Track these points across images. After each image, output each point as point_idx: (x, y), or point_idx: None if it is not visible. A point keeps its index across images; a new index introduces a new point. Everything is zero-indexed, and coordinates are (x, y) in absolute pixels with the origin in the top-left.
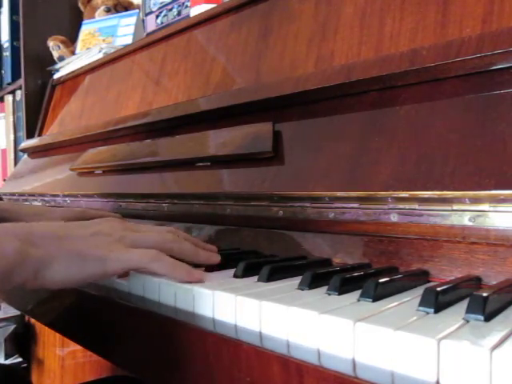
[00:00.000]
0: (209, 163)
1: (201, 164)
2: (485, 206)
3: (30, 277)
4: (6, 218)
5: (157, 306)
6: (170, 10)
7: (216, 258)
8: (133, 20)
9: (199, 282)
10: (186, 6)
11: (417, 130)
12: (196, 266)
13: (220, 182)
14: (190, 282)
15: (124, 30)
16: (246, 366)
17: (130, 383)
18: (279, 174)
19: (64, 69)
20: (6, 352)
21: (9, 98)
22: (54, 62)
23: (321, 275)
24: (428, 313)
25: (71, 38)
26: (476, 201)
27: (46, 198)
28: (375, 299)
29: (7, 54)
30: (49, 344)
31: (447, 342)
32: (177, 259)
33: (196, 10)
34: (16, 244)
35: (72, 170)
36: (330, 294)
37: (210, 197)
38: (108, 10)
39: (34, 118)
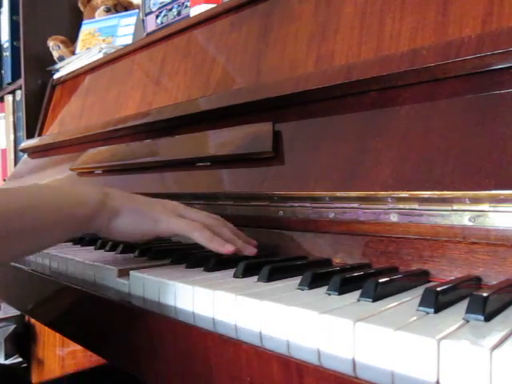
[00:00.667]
0: (209, 163)
1: (201, 164)
2: (485, 206)
3: (105, 223)
4: None
5: (156, 305)
6: (170, 9)
7: (251, 250)
8: (133, 20)
9: (230, 252)
10: (186, 6)
11: (417, 129)
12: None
13: (220, 182)
14: (221, 252)
15: (124, 30)
16: (246, 366)
17: (115, 374)
18: (279, 174)
19: (64, 69)
20: (6, 352)
21: (9, 98)
22: (54, 62)
23: (321, 275)
24: (428, 313)
25: (71, 38)
26: (476, 201)
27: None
28: (375, 299)
29: (7, 54)
30: (49, 344)
31: (447, 341)
32: None
33: (196, 10)
34: (100, 196)
35: (72, 170)
36: (329, 294)
37: (210, 197)
38: (108, 10)
39: (34, 118)
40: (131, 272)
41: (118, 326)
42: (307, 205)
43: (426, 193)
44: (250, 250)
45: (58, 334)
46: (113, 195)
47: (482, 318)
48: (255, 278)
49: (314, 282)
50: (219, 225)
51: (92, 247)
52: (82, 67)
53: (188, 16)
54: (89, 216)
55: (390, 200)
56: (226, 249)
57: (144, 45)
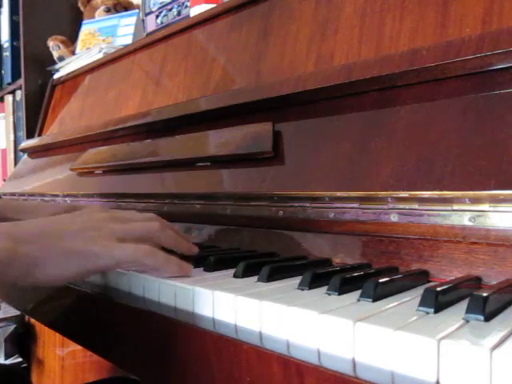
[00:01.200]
0: (209, 163)
1: (201, 164)
2: (485, 206)
3: (21, 274)
4: (4, 217)
5: (157, 305)
6: (170, 10)
7: (195, 249)
8: (133, 20)
9: (187, 275)
10: (186, 6)
11: (417, 129)
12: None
13: (220, 182)
14: (180, 276)
15: (124, 30)
16: (246, 365)
17: None
18: (279, 174)
19: (64, 69)
20: (6, 352)
21: (9, 98)
22: (54, 62)
23: (321, 275)
24: (428, 313)
25: (71, 38)
26: (476, 201)
27: (45, 198)
28: (375, 299)
29: (7, 54)
30: (49, 344)
31: (447, 341)
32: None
33: (196, 10)
34: (7, 243)
35: (72, 169)
36: (329, 294)
37: (210, 197)
38: (108, 10)
39: (34, 118)
40: (130, 272)
41: (118, 325)
42: (307, 205)
43: (425, 193)
44: (195, 250)
45: (57, 334)
46: (25, 236)
47: (482, 317)
48: (255, 278)
49: (313, 282)
50: (163, 228)
51: None
52: (81, 67)
53: (188, 16)
54: None
55: (390, 200)
56: (185, 271)
57: (144, 45)
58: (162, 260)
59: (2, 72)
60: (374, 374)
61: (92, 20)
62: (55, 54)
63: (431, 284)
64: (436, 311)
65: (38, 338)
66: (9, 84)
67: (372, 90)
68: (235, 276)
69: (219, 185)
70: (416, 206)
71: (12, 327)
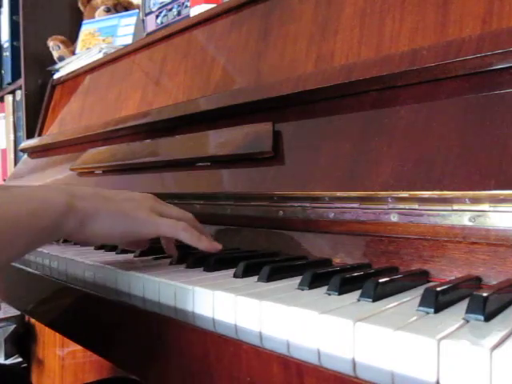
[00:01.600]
0: (209, 163)
1: (201, 164)
2: (485, 206)
3: (76, 227)
4: None
5: (157, 306)
6: (170, 10)
7: (218, 246)
8: (133, 20)
9: (217, 250)
10: (186, 6)
11: (417, 129)
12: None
13: (220, 182)
14: (210, 251)
15: (124, 30)
16: (246, 365)
17: None
18: (279, 174)
19: (64, 69)
20: (6, 352)
21: (9, 98)
22: (54, 62)
23: (321, 275)
24: (428, 313)
25: (71, 38)
26: (476, 201)
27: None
28: (375, 299)
29: (7, 53)
30: (49, 344)
31: (447, 341)
32: None
33: (196, 10)
34: (65, 197)
35: (72, 169)
36: (329, 294)
37: (210, 197)
38: (108, 10)
39: (34, 118)
40: (130, 272)
41: (117, 325)
42: (307, 205)
43: (425, 193)
44: (218, 246)
45: (58, 334)
46: (81, 195)
47: (482, 317)
48: (255, 277)
49: (313, 282)
50: (194, 220)
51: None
52: (82, 67)
53: (188, 16)
54: (54, 223)
55: (390, 200)
56: (215, 247)
57: (144, 45)
58: (196, 236)
59: (2, 72)
60: (374, 373)
61: (92, 20)
62: (55, 54)
63: (431, 284)
64: (436, 311)
65: (37, 338)
66: (9, 84)
67: (372, 90)
68: (235, 276)
69: (219, 185)
70: (416, 206)
71: (12, 327)
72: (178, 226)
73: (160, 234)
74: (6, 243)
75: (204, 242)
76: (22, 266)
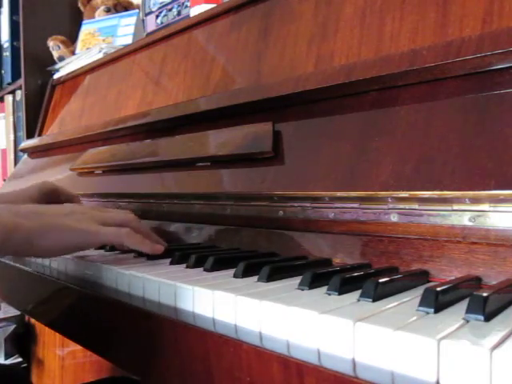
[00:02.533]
0: (209, 163)
1: (201, 164)
2: (485, 206)
3: (21, 244)
4: None
5: (157, 306)
6: (170, 10)
7: (160, 248)
8: (133, 20)
9: (160, 252)
10: (186, 6)
11: (417, 129)
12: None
13: (220, 182)
14: (154, 253)
15: (124, 30)
16: (246, 365)
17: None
18: (279, 174)
19: (64, 69)
20: (6, 352)
21: (9, 98)
22: (54, 62)
23: (321, 275)
24: (428, 313)
25: (71, 38)
26: (476, 201)
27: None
28: (375, 299)
29: (7, 53)
30: (49, 344)
31: (447, 341)
32: None
33: (196, 10)
34: (10, 215)
35: (72, 169)
36: (329, 294)
37: (210, 197)
38: (108, 10)
39: (34, 118)
40: (131, 271)
41: (118, 325)
42: (307, 205)
43: (425, 193)
44: (160, 248)
45: (57, 334)
46: (25, 213)
47: (482, 317)
48: (255, 277)
49: (313, 282)
50: (137, 222)
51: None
52: (82, 67)
53: (188, 16)
54: (3, 239)
55: (390, 200)
56: (157, 250)
57: (144, 45)
58: (139, 241)
59: (2, 72)
60: (374, 373)
61: (92, 20)
62: (55, 54)
63: (431, 284)
64: (436, 311)
65: (38, 338)
66: (9, 84)
67: (372, 90)
68: (235, 276)
69: (219, 185)
70: (416, 206)
71: (12, 327)
72: (122, 234)
73: (105, 242)
74: None
75: (147, 246)
76: (21, 266)
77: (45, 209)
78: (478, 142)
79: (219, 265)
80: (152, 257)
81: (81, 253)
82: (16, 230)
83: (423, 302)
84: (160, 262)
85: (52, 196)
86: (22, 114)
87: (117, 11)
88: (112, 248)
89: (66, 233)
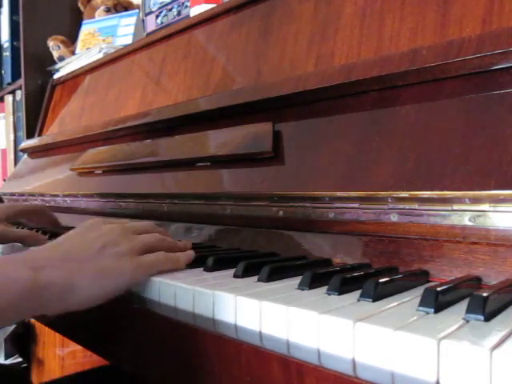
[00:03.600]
0: (209, 163)
1: (201, 164)
2: (485, 206)
3: (51, 304)
4: None
5: (157, 306)
6: (170, 10)
7: (189, 245)
8: (133, 20)
9: (191, 259)
10: (186, 6)
11: (417, 129)
12: None
13: (220, 182)
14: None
15: (124, 30)
16: (246, 365)
17: (117, 375)
18: (279, 174)
19: (64, 69)
20: (6, 352)
21: (9, 98)
22: (54, 62)
23: (321, 275)
24: (428, 313)
25: (71, 38)
26: (476, 201)
27: (45, 198)
28: (375, 299)
29: (7, 54)
30: (49, 344)
31: (447, 341)
32: None
33: (196, 10)
34: (28, 272)
35: (72, 169)
36: (329, 294)
37: (209, 197)
38: (108, 10)
39: (34, 117)
40: None
41: (118, 326)
42: (307, 205)
43: (425, 193)
44: (190, 258)
45: (57, 334)
46: (46, 263)
47: (482, 317)
48: (255, 277)
49: (313, 282)
50: (163, 237)
51: None
52: (82, 67)
53: (188, 16)
54: (18, 304)
55: (390, 200)
56: (191, 258)
57: (144, 45)
58: (175, 260)
59: (2, 72)
60: (374, 373)
61: (92, 20)
62: (55, 54)
63: (431, 284)
64: (436, 311)
65: (38, 338)
66: (9, 84)
67: (372, 90)
68: (235, 276)
69: (219, 185)
70: (416, 206)
71: (12, 327)
72: (161, 262)
73: (150, 275)
74: None
75: (183, 262)
76: None
77: (70, 249)
78: (478, 141)
79: (219, 265)
80: None
81: None
82: (40, 290)
83: (423, 302)
84: None
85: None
86: (22, 114)
87: (117, 11)
88: None
89: (107, 279)
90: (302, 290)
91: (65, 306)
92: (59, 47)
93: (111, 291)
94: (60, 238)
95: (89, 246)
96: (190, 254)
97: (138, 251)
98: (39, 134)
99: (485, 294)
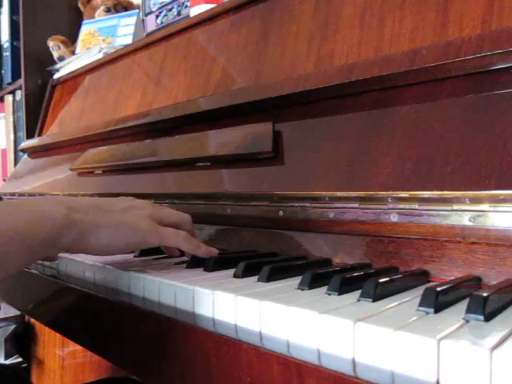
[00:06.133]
0: (209, 163)
1: (201, 164)
2: (485, 206)
3: (75, 240)
4: None
5: (157, 306)
6: (170, 10)
7: (215, 251)
8: (133, 20)
9: (213, 255)
10: (186, 6)
11: (417, 129)
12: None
13: (220, 182)
14: (208, 256)
15: (124, 30)
16: (246, 365)
17: None
18: (279, 174)
19: (64, 69)
20: (6, 352)
21: (9, 98)
22: (54, 62)
23: (321, 275)
24: (428, 313)
25: (71, 38)
26: (476, 201)
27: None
28: (375, 299)
29: (7, 53)
30: (49, 344)
31: (447, 341)
32: None
33: (196, 10)
34: (63, 210)
35: (72, 169)
36: (329, 294)
37: (210, 197)
38: (108, 10)
39: (34, 117)
40: (131, 272)
41: (118, 325)
42: (307, 205)
43: (425, 193)
44: (215, 251)
45: (58, 334)
46: (80, 207)
47: (482, 318)
48: (255, 278)
49: (313, 282)
50: (190, 222)
51: None
52: (82, 67)
53: (188, 16)
54: (51, 237)
55: (390, 200)
56: (212, 253)
57: (144, 45)
58: (195, 245)
59: (2, 72)
60: (374, 373)
61: (92, 20)
62: (55, 54)
63: (431, 284)
64: (436, 311)
65: (38, 338)
66: (9, 84)
67: (372, 89)
68: (235, 276)
69: (219, 185)
70: (416, 206)
71: (12, 327)
72: (180, 237)
73: (162, 243)
74: (2, 256)
75: (202, 250)
76: None
77: (101, 202)
78: (478, 141)
79: (219, 265)
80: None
81: None
82: (69, 224)
83: (423, 302)
84: (160, 262)
85: None
86: (22, 114)
87: (117, 11)
88: None
89: (123, 230)
90: (302, 289)
91: (84, 245)
92: (59, 47)
93: (123, 244)
94: (100, 198)
95: (118, 204)
96: (213, 249)
97: (161, 221)
98: (39, 134)
99: (485, 294)
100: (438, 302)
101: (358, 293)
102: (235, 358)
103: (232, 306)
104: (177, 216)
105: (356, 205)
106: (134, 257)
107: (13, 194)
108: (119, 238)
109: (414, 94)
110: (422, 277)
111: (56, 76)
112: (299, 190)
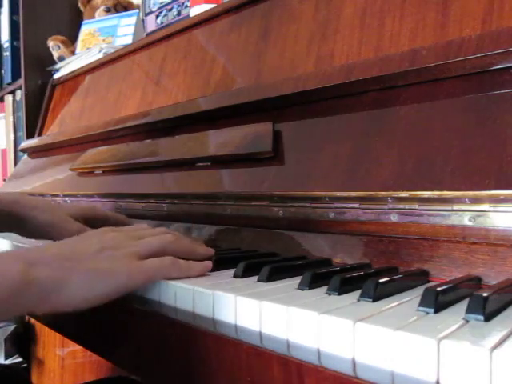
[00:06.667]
0: (209, 163)
1: (201, 164)
2: (485, 206)
3: (41, 298)
4: (14, 212)
5: (157, 306)
6: (170, 10)
7: (211, 251)
8: (133, 20)
9: (208, 270)
10: (186, 6)
11: (417, 129)
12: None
13: (220, 182)
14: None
15: (124, 30)
16: (246, 365)
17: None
18: (279, 174)
19: (64, 69)
20: (6, 352)
21: (9, 98)
22: (54, 62)
23: (321, 275)
24: (428, 313)
25: (71, 38)
26: (476, 201)
27: (45, 198)
28: (375, 299)
29: (7, 53)
30: (49, 344)
31: (447, 341)
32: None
33: (196, 10)
34: (21, 266)
35: (72, 169)
36: (329, 294)
37: (210, 197)
38: (108, 10)
39: (34, 117)
40: None
41: (118, 326)
42: (307, 205)
43: (425, 193)
44: (211, 252)
45: (57, 334)
46: (41, 259)
47: (482, 318)
48: (255, 278)
49: (313, 282)
50: (175, 239)
51: None
52: (82, 67)
53: (188, 16)
54: (8, 300)
55: (390, 200)
56: (207, 269)
57: (144, 45)
58: (185, 268)
59: (2, 72)
60: (374, 374)
61: (92, 20)
62: (55, 54)
63: (431, 284)
64: (436, 311)
65: (38, 338)
66: (9, 84)
67: (372, 89)
68: (235, 276)
69: (219, 185)
70: (416, 206)
71: (12, 327)
72: (165, 267)
73: (151, 281)
74: None
75: (195, 271)
76: None
77: (68, 249)
78: (478, 141)
79: (219, 265)
80: None
81: None
82: (30, 284)
83: (423, 302)
84: None
85: (97, 222)
86: (22, 114)
87: (117, 11)
88: None
89: (99, 280)
90: (302, 289)
91: (52, 304)
92: (59, 47)
93: (102, 294)
94: (64, 240)
95: (87, 248)
96: (207, 264)
97: (141, 255)
98: (39, 134)
99: (485, 294)
100: (438, 302)
101: (357, 293)
102: (235, 358)
103: (232, 306)
104: (157, 242)
105: (356, 205)
106: None
107: None
108: (96, 290)
109: (413, 94)
110: (422, 277)
111: (56, 76)
112: (299, 189)
